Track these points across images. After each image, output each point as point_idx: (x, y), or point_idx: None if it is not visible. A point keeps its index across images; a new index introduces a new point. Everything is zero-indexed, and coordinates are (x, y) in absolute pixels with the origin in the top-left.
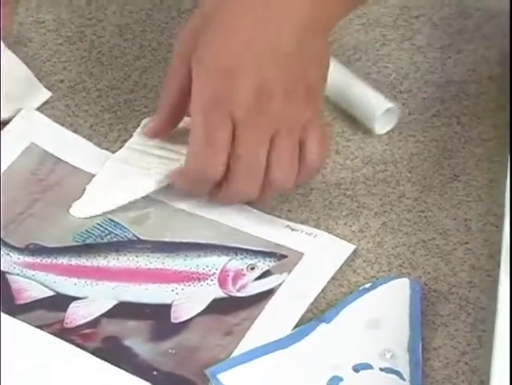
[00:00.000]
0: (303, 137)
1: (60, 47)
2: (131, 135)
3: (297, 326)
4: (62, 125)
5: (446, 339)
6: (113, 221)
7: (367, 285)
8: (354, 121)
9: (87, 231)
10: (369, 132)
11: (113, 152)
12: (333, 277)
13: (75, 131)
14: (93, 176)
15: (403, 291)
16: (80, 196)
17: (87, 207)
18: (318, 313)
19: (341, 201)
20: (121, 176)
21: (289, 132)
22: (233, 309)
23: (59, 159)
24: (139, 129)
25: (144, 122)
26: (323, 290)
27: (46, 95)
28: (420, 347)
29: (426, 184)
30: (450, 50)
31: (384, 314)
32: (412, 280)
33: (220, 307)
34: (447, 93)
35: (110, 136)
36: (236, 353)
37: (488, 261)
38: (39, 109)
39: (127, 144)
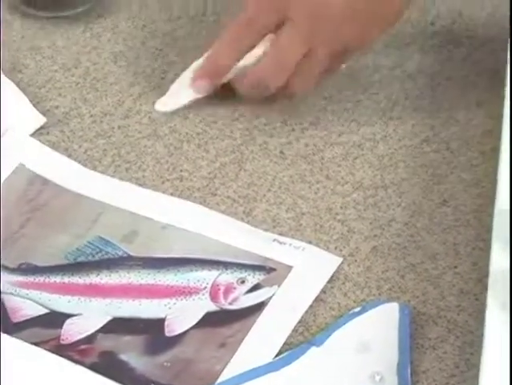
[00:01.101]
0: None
1: (55, 74)
2: (124, 160)
3: (288, 349)
4: (57, 150)
5: (435, 362)
6: (103, 239)
7: (357, 309)
8: (344, 147)
9: (78, 249)
10: (359, 158)
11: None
12: (324, 300)
13: (70, 156)
14: (81, 196)
15: (392, 315)
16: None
17: (172, 100)
18: (309, 336)
19: (332, 226)
20: None
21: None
22: (226, 321)
23: (47, 179)
24: None
25: None
26: (313, 313)
27: (41, 120)
28: (409, 370)
29: (416, 209)
30: (440, 77)
31: (373, 337)
32: (402, 304)
33: (213, 320)
34: (436, 119)
35: (104, 161)
36: (231, 364)
37: (476, 285)
38: (34, 134)
39: None
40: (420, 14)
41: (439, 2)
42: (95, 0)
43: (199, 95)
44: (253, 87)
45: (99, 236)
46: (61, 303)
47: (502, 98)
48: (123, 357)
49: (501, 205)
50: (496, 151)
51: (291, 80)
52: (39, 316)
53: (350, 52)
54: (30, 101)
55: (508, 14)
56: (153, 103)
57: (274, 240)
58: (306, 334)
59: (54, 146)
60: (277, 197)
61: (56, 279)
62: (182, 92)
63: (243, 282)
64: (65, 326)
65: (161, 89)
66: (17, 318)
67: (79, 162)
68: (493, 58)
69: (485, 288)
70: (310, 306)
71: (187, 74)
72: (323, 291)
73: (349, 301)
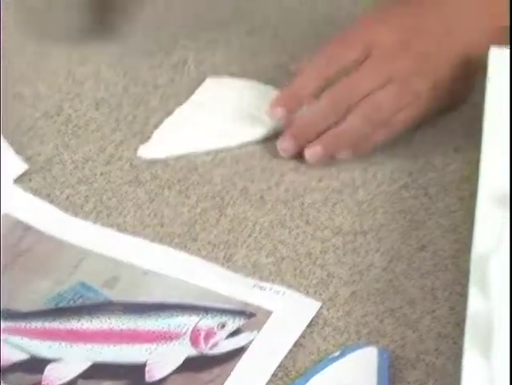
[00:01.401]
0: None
1: (38, 121)
2: (106, 206)
3: None
4: (39, 196)
5: None
6: (85, 285)
7: (336, 354)
8: (324, 192)
9: (59, 295)
10: (338, 203)
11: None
12: (303, 345)
13: (52, 202)
14: (63, 242)
15: (371, 359)
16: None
17: (155, 148)
18: (288, 381)
19: (311, 270)
20: (207, 120)
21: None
22: (207, 366)
23: (29, 225)
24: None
25: None
26: (292, 358)
27: (23, 167)
28: None
29: (394, 254)
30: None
31: (352, 381)
32: (380, 348)
33: (193, 365)
34: (414, 165)
35: (86, 207)
36: None
37: (454, 328)
38: (16, 181)
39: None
40: None
41: None
42: (76, 48)
43: (184, 151)
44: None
45: (80, 281)
46: (42, 348)
47: (479, 143)
48: None
49: (477, 250)
50: (473, 196)
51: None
52: (20, 361)
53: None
54: (13, 148)
55: None
56: (135, 149)
57: (255, 285)
58: (286, 379)
59: (36, 192)
60: (257, 242)
61: (37, 324)
62: (165, 140)
63: (223, 327)
64: (46, 372)
65: (143, 136)
66: None
67: (61, 208)
68: (470, 104)
69: (462, 332)
70: (290, 351)
71: (170, 121)
72: (303, 336)
73: (328, 345)
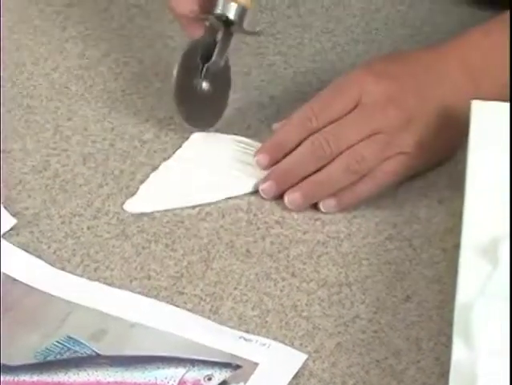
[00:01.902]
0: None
1: (26, 176)
2: (93, 260)
3: None
4: (27, 250)
5: None
6: (72, 338)
7: None
8: (309, 245)
9: (47, 348)
10: (323, 256)
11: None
12: None
13: (39, 257)
14: (50, 295)
15: None
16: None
17: (141, 203)
18: None
19: (297, 322)
20: (195, 174)
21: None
22: None
23: (16, 279)
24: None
25: None
26: None
27: (11, 222)
28: None
29: (379, 306)
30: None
31: None
32: None
33: None
34: (399, 217)
35: (73, 261)
36: None
37: (439, 379)
38: (4, 236)
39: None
40: None
41: None
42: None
43: (170, 205)
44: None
45: (67, 335)
46: None
47: (463, 195)
48: None
49: (461, 301)
50: (457, 247)
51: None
52: None
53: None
54: (1, 203)
55: None
56: (122, 203)
57: (241, 337)
58: None
59: (23, 246)
60: (243, 295)
61: (25, 378)
62: (151, 195)
63: (210, 379)
64: None
65: (130, 190)
66: None
67: (49, 262)
68: (454, 156)
69: (447, 383)
70: None
71: (156, 176)
72: None
73: None
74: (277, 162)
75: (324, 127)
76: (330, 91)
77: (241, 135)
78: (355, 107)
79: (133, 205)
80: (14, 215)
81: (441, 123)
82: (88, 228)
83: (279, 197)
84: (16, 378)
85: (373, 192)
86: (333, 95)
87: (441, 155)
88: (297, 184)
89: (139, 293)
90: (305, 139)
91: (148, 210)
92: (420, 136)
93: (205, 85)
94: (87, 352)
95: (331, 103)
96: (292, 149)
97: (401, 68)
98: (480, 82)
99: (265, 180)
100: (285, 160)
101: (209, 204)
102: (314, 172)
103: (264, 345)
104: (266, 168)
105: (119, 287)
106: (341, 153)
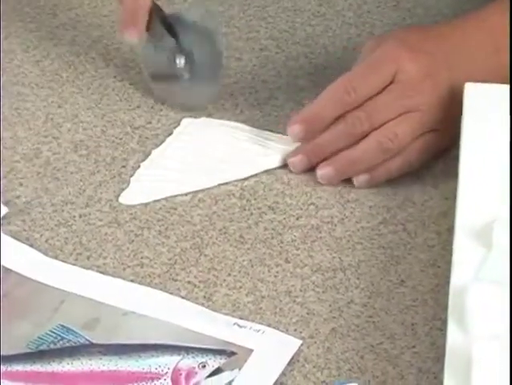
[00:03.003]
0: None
1: (17, 164)
2: (85, 248)
3: None
4: (18, 239)
5: None
6: (65, 327)
7: None
8: (303, 230)
9: (39, 338)
10: (317, 241)
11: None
12: (284, 383)
13: (31, 245)
14: (43, 284)
15: None
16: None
17: (134, 195)
18: None
19: (291, 308)
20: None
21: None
22: None
23: (9, 269)
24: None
25: None
26: None
27: (2, 211)
28: None
29: (374, 290)
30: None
31: None
32: (361, 384)
33: None
34: (393, 201)
35: (65, 249)
36: None
37: (434, 364)
38: None
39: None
40: None
41: None
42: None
43: (163, 194)
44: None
45: (60, 324)
46: None
47: (457, 179)
48: None
49: (455, 284)
50: (451, 231)
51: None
52: None
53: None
54: None
55: None
56: (114, 191)
57: (235, 324)
58: None
59: (15, 235)
60: (237, 281)
61: (18, 368)
62: (144, 186)
63: (204, 367)
64: None
65: (122, 177)
66: None
67: (41, 251)
68: (448, 140)
69: (443, 367)
70: None
71: (146, 165)
72: (283, 374)
73: (309, 382)
74: (311, 135)
75: (359, 103)
76: (366, 65)
77: (234, 120)
78: (391, 83)
79: (128, 198)
80: (5, 203)
81: None
82: (80, 216)
83: (272, 182)
84: (9, 368)
85: (405, 170)
86: (369, 70)
87: None
88: (327, 158)
89: (132, 280)
90: (340, 114)
91: (142, 201)
92: (451, 113)
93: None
94: (81, 341)
95: (366, 79)
96: (328, 124)
97: (436, 45)
98: (503, 55)
99: (295, 153)
100: (321, 135)
101: (201, 191)
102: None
103: (258, 331)
104: (300, 139)
105: (112, 275)
106: (375, 129)
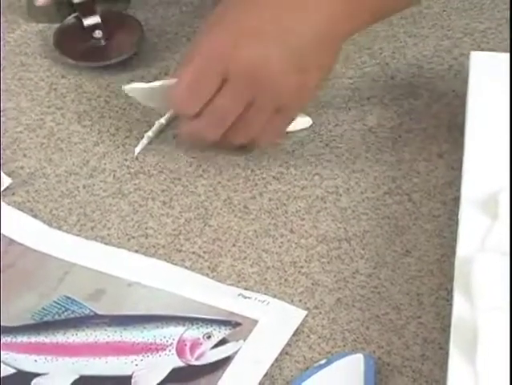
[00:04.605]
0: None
1: (20, 135)
2: (89, 219)
3: None
4: (22, 210)
5: None
6: (70, 298)
7: (323, 362)
8: (307, 200)
9: (44, 309)
10: (322, 211)
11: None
12: (289, 354)
13: (35, 216)
14: (47, 255)
15: (357, 366)
16: None
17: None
18: None
19: (296, 279)
20: None
21: (264, 107)
22: (193, 377)
23: (13, 240)
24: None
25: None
26: (279, 367)
27: (6, 182)
28: None
29: (379, 261)
30: (400, 130)
31: None
32: (366, 355)
33: (179, 376)
34: (398, 171)
35: (69, 220)
36: None
37: (440, 334)
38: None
39: None
40: (380, 68)
41: (399, 56)
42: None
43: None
44: (190, 137)
45: (65, 295)
46: (28, 363)
47: (462, 149)
48: None
49: (461, 255)
50: (457, 200)
51: (231, 133)
52: (7, 376)
53: (290, 106)
54: None
55: None
56: (118, 162)
57: (239, 294)
58: None
59: (19, 206)
60: (241, 252)
61: (23, 339)
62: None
63: (209, 338)
64: None
65: (126, 148)
66: None
67: (45, 222)
68: (453, 109)
69: (448, 337)
70: (276, 360)
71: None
72: (289, 344)
73: (314, 353)
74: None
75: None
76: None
77: None
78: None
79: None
80: (9, 174)
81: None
82: (84, 186)
83: (276, 152)
84: (14, 340)
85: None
86: (199, 76)
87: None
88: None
89: (136, 251)
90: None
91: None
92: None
93: None
94: (85, 312)
95: (200, 84)
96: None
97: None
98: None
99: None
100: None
101: (205, 161)
102: None
103: (263, 302)
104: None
105: (117, 246)
106: None
